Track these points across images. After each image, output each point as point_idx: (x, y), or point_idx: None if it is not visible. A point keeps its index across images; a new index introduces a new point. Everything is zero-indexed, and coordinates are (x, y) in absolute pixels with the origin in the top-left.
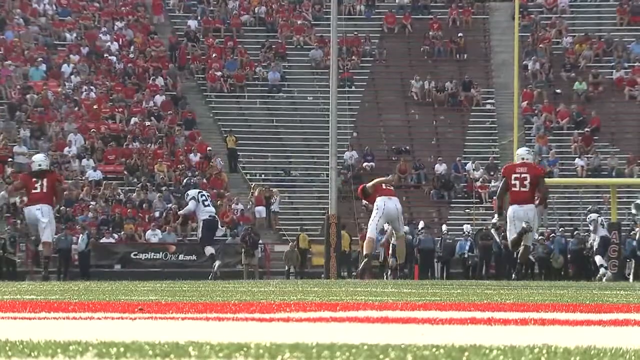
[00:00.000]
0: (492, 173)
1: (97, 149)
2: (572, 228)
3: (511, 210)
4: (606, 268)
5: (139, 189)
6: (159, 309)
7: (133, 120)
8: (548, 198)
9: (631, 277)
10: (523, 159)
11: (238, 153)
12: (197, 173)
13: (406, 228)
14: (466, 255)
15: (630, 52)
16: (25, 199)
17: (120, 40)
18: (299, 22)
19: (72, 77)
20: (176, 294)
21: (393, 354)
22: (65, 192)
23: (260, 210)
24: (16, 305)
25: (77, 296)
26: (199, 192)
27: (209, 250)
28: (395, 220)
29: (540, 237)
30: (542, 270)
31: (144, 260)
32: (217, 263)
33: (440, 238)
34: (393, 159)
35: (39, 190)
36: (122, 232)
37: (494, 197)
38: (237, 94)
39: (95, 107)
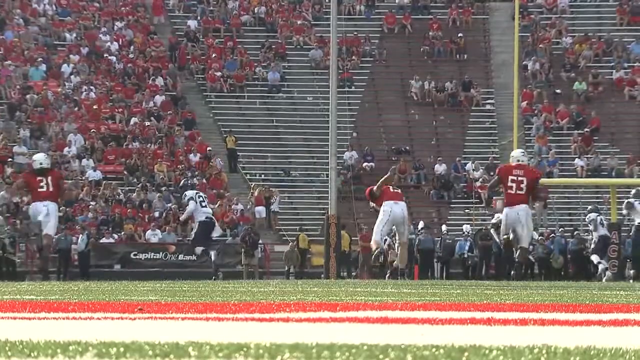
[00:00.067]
0: (491, 173)
1: (97, 149)
2: (572, 228)
3: (505, 212)
4: (607, 269)
5: (139, 189)
6: (158, 309)
7: (133, 120)
8: (548, 197)
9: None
10: (519, 160)
11: (238, 153)
12: (196, 173)
13: (412, 236)
14: (466, 256)
15: (630, 52)
16: (25, 198)
17: (120, 40)
18: (298, 22)
19: (72, 77)
20: (176, 294)
21: (393, 354)
22: (72, 191)
23: (260, 211)
24: (16, 305)
25: (76, 296)
26: (197, 193)
27: (199, 249)
28: (400, 225)
29: (540, 237)
30: (542, 270)
31: (144, 260)
32: (212, 253)
33: (440, 238)
34: (393, 159)
35: (44, 188)
36: (122, 232)
37: (494, 198)
38: (237, 94)
39: (95, 107)
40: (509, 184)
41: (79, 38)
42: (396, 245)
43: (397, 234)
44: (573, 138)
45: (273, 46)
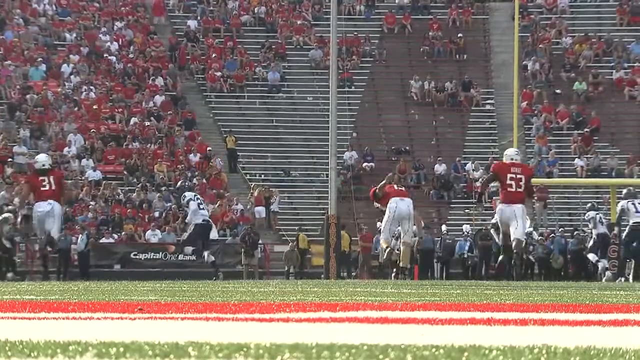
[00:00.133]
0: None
1: (97, 149)
2: (571, 228)
3: (500, 209)
4: (607, 268)
5: (139, 189)
6: (158, 309)
7: (133, 120)
8: (547, 197)
9: (631, 277)
10: (512, 159)
11: (238, 153)
12: (196, 173)
13: (415, 238)
14: (466, 256)
15: (630, 52)
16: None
17: (120, 40)
18: (298, 22)
19: (72, 77)
20: (176, 294)
21: (393, 354)
22: (72, 191)
23: (260, 211)
24: (16, 305)
25: (76, 296)
26: (195, 195)
27: (188, 250)
28: (406, 222)
29: (540, 237)
30: (542, 270)
31: (144, 260)
32: (206, 253)
33: (439, 238)
34: (393, 159)
35: (47, 187)
36: (122, 232)
37: (494, 198)
38: (237, 94)
39: (95, 107)
40: (508, 181)
41: (79, 38)
42: (399, 243)
43: (401, 232)
44: (573, 138)
45: (273, 46)
